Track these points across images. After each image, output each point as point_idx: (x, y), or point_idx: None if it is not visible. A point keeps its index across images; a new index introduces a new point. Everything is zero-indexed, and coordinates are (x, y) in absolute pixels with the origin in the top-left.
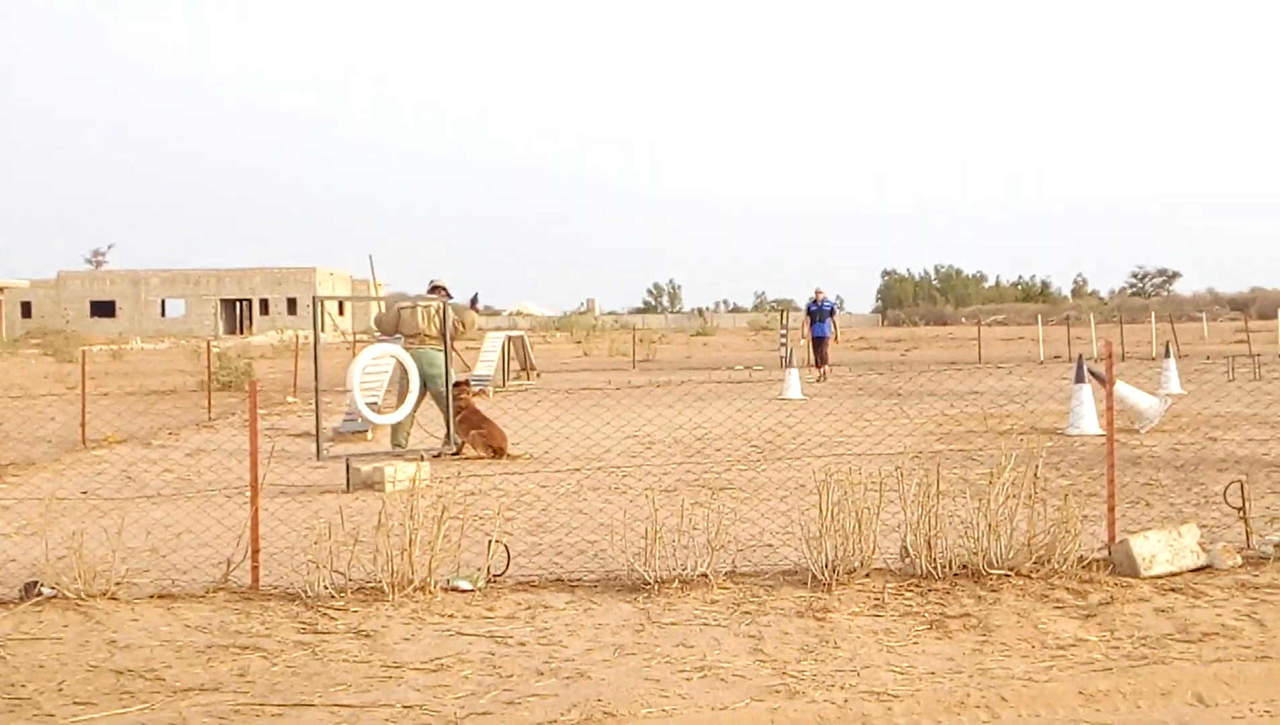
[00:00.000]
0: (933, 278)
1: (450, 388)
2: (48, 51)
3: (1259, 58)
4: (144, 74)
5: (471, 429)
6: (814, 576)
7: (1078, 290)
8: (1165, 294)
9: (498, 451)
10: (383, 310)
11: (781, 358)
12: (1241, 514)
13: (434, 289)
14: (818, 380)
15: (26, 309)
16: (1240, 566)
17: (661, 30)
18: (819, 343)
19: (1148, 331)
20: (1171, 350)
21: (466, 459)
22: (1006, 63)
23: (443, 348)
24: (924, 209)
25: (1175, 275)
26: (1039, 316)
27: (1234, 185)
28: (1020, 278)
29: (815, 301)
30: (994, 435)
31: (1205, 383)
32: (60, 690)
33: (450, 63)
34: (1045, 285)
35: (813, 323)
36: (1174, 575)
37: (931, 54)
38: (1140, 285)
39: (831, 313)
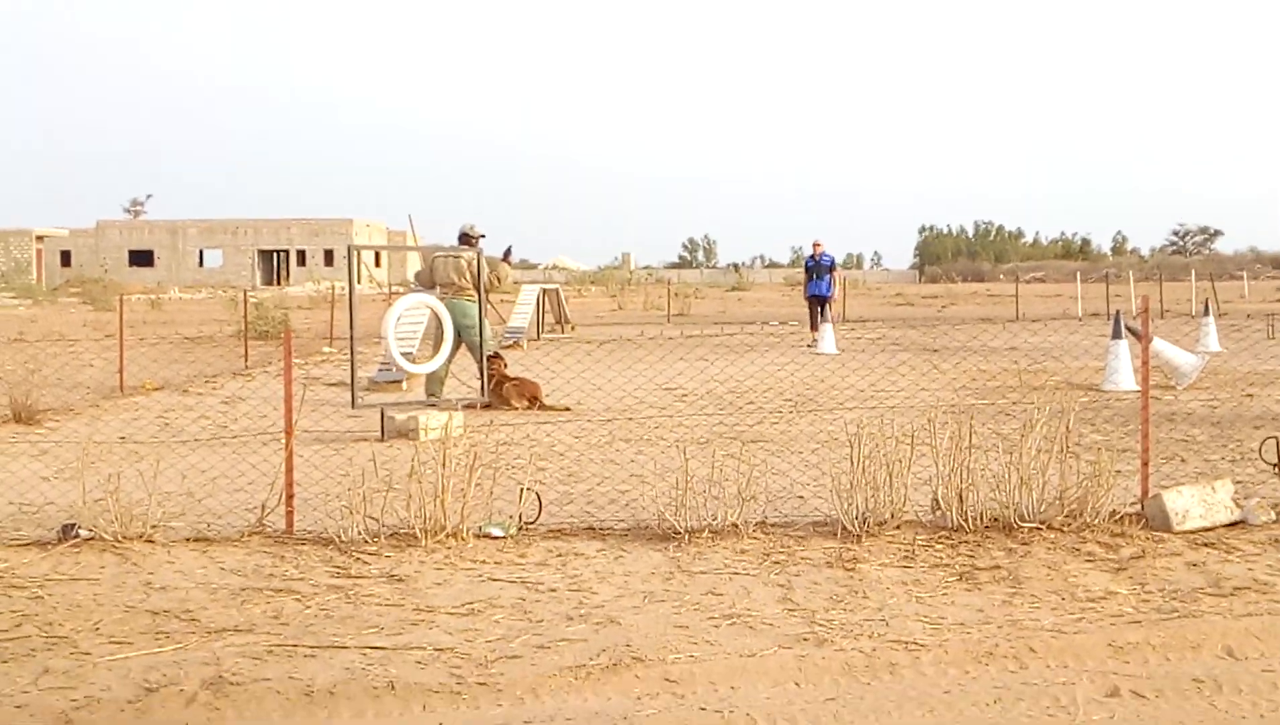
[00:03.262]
0: (971, 234)
1: (483, 342)
2: (90, 4)
3: None
4: (185, 22)
5: (505, 384)
6: (844, 528)
7: (1118, 248)
8: (1206, 252)
9: (533, 400)
10: (423, 265)
11: None
12: (1277, 470)
13: (464, 237)
14: (810, 346)
15: (66, 257)
16: (1274, 522)
17: None
18: (819, 302)
19: (1188, 289)
20: (1211, 308)
21: (499, 411)
22: (1047, 14)
23: (476, 299)
24: (963, 164)
25: (1217, 233)
26: (1078, 274)
27: (1277, 142)
28: (1060, 234)
29: (814, 256)
30: (1028, 390)
31: (1244, 341)
32: (97, 629)
33: (487, 11)
34: (1085, 242)
35: (810, 280)
36: (1207, 530)
37: (972, 6)
38: (1181, 243)
39: (832, 268)
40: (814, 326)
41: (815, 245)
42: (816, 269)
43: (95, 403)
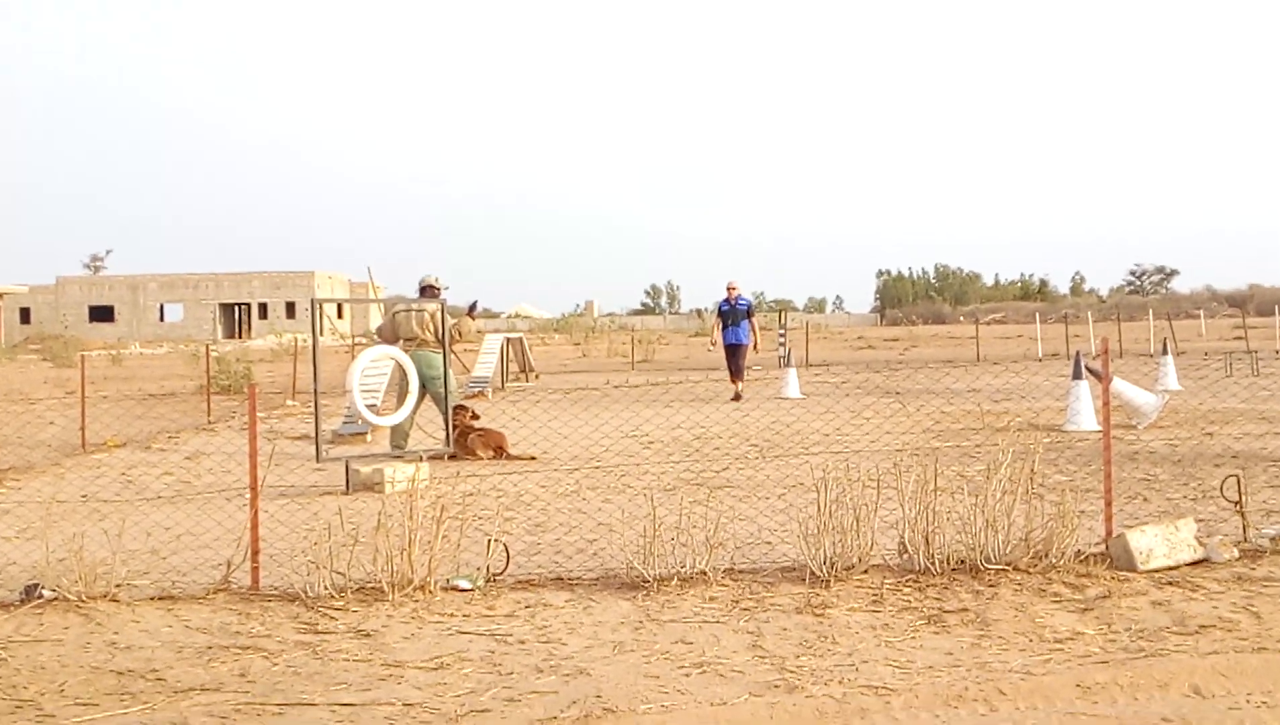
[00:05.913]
0: (931, 277)
1: (448, 394)
2: (45, 55)
3: (1255, 54)
4: (140, 77)
5: (470, 435)
6: (812, 573)
7: (1076, 288)
8: (1163, 292)
9: (498, 450)
10: (384, 319)
11: (779, 357)
12: (1238, 508)
13: (425, 289)
14: (734, 399)
15: (25, 315)
16: (1237, 560)
17: (656, 27)
18: (733, 351)
19: (1146, 329)
20: (1169, 347)
21: (465, 461)
22: (1002, 59)
23: (440, 350)
24: (922, 207)
25: (1173, 273)
26: (1037, 315)
27: (1232, 182)
28: (1019, 276)
29: (728, 300)
30: (991, 432)
31: (1202, 379)
32: (62, 691)
33: (445, 63)
34: (1044, 283)
35: (725, 326)
36: (1171, 569)
37: (927, 53)
38: (1138, 283)
39: (749, 314)
40: (734, 376)
41: (730, 288)
42: (732, 314)
43: (57, 461)
